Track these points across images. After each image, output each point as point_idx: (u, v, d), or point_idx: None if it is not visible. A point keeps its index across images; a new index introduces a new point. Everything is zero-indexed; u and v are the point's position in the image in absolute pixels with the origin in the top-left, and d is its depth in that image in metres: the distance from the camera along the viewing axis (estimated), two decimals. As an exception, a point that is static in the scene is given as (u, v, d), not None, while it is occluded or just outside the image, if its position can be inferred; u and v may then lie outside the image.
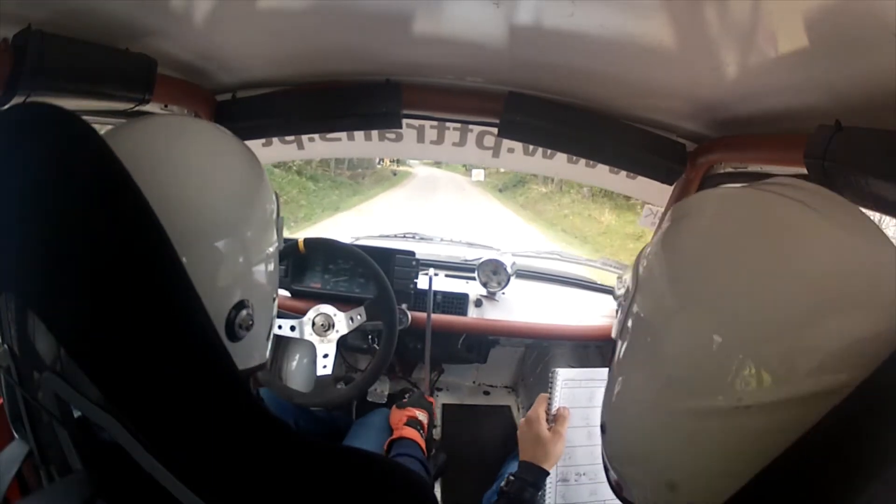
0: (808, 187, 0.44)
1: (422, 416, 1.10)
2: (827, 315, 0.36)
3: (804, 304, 0.37)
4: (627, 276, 0.52)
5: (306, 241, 1.21)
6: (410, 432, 1.05)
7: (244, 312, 0.52)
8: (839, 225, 0.40)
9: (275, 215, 0.59)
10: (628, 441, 0.49)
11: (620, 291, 0.53)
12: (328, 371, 1.14)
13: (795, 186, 0.44)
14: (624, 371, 0.49)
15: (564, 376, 0.93)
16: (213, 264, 0.49)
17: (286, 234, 0.86)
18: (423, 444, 1.05)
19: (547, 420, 0.91)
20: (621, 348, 0.50)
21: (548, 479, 0.89)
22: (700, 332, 0.40)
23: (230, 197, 0.52)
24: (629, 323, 0.49)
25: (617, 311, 0.54)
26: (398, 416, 1.09)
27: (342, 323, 1.17)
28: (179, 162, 0.49)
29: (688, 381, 0.41)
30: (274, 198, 0.60)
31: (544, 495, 0.89)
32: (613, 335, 0.53)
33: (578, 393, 0.93)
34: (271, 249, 0.58)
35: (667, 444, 0.43)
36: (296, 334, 1.16)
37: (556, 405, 0.92)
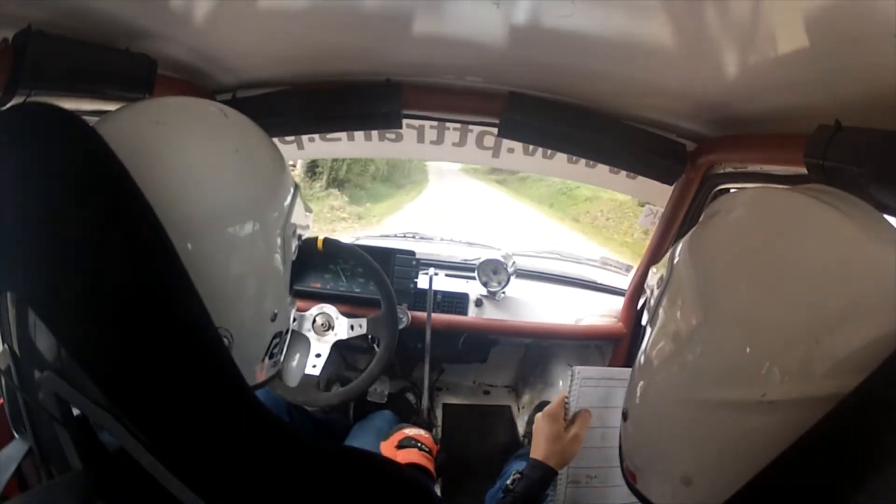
0: (836, 192, 0.45)
1: (411, 430, 1.00)
2: (853, 316, 0.37)
3: (831, 304, 0.38)
4: (661, 267, 0.53)
5: (326, 241, 1.17)
6: (407, 455, 0.92)
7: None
8: (866, 228, 0.41)
9: (282, 222, 0.53)
10: (648, 430, 0.50)
11: (653, 280, 0.54)
12: (316, 372, 1.12)
13: (823, 191, 0.45)
14: (651, 360, 0.50)
15: (583, 374, 0.90)
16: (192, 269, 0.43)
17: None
18: (428, 465, 0.93)
19: (564, 418, 0.88)
20: (650, 336, 0.52)
21: (559, 481, 0.87)
22: (728, 328, 0.41)
23: (225, 192, 0.48)
24: (660, 312, 0.50)
25: (648, 299, 0.56)
26: (387, 447, 0.97)
27: (342, 328, 1.16)
28: (175, 150, 0.47)
29: (714, 373, 0.42)
30: (287, 200, 0.54)
31: (555, 497, 0.87)
32: (644, 322, 0.55)
33: (595, 392, 0.90)
34: (268, 265, 0.52)
35: (686, 436, 0.44)
36: (294, 326, 1.16)
37: (573, 403, 0.89)
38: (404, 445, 0.94)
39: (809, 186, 0.47)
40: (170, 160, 0.46)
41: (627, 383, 0.55)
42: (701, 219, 0.52)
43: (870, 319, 0.37)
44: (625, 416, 0.53)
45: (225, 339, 0.48)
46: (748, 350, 0.39)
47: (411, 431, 0.99)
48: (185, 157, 0.47)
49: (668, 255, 0.53)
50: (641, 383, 0.51)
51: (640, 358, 0.52)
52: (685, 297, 0.47)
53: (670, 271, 0.50)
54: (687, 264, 0.49)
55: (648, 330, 0.52)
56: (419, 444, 0.94)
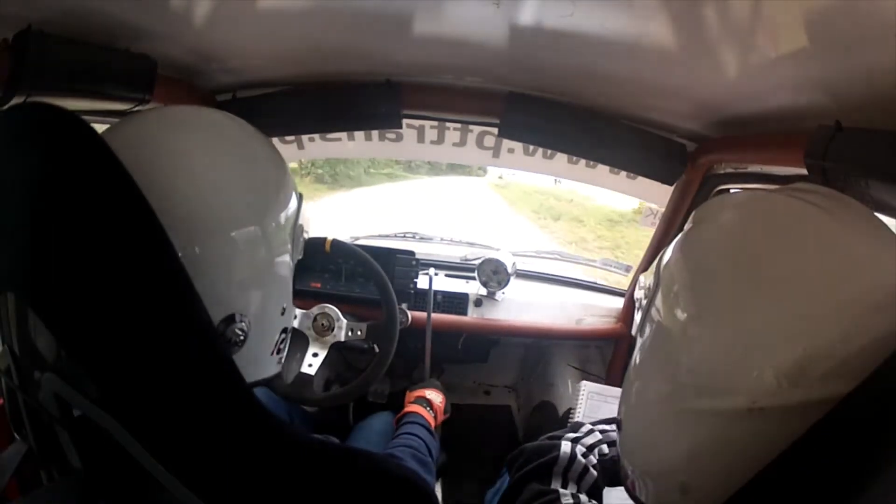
0: (827, 192, 0.44)
1: (432, 394, 1.12)
2: (842, 320, 0.36)
3: (819, 309, 0.37)
4: (649, 276, 0.53)
5: (334, 242, 1.15)
6: (416, 408, 1.08)
7: (234, 328, 0.48)
8: (856, 230, 0.40)
9: (291, 223, 0.55)
10: (643, 440, 0.49)
11: (640, 293, 0.54)
12: (312, 371, 1.11)
13: (812, 191, 0.44)
14: (641, 369, 0.50)
15: (590, 388, 0.95)
16: (199, 269, 0.44)
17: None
18: (429, 418, 1.06)
19: None
20: (639, 346, 0.51)
21: None
22: (717, 335, 0.41)
23: (232, 194, 0.49)
24: (648, 321, 0.50)
25: (637, 309, 0.56)
26: (408, 397, 1.14)
27: (342, 330, 1.15)
28: (184, 155, 0.47)
29: (703, 382, 0.41)
30: (294, 202, 0.55)
31: None
32: (633, 332, 0.54)
33: (603, 407, 0.94)
34: (279, 262, 0.53)
35: (680, 446, 0.43)
36: (295, 323, 1.15)
37: (578, 416, 0.92)
38: (418, 403, 1.10)
39: (797, 187, 0.46)
40: (180, 165, 0.46)
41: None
42: (688, 223, 0.51)
43: (864, 322, 0.36)
44: (619, 425, 0.53)
45: (244, 325, 0.49)
46: (738, 356, 0.39)
47: (432, 396, 1.12)
48: (197, 161, 0.48)
49: (655, 262, 0.52)
50: (633, 394, 0.51)
51: (630, 368, 0.52)
52: (672, 304, 0.46)
53: (657, 280, 0.50)
54: (676, 269, 0.48)
55: (637, 340, 0.52)
56: (429, 408, 1.09)
